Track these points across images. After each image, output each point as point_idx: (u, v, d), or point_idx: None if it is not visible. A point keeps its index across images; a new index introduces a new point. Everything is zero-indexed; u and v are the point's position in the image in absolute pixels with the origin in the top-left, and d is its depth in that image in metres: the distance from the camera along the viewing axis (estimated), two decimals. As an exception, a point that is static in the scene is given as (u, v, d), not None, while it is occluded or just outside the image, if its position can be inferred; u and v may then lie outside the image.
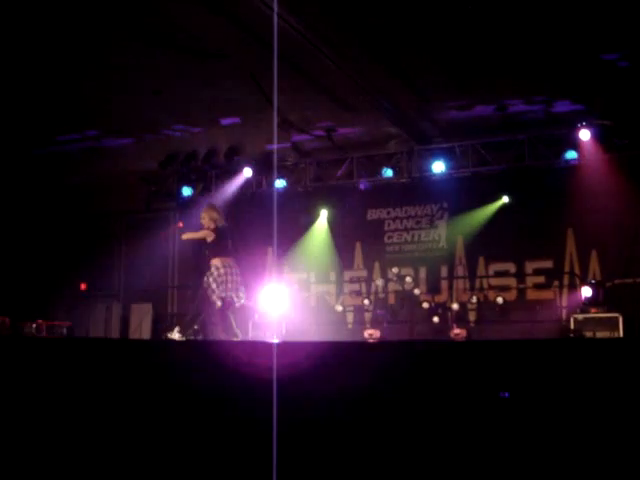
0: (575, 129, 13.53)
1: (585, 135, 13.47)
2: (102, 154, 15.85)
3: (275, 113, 10.81)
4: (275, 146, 15.57)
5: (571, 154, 13.83)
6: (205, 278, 9.91)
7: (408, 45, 11.07)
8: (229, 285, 9.84)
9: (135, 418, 4.61)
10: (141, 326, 16.48)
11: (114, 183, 17.16)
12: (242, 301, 10.06)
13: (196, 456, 4.34)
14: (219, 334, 9.63)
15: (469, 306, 14.72)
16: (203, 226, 10.21)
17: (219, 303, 9.79)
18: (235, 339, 9.66)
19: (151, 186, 17.31)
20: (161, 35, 10.65)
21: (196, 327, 15.40)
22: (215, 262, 9.90)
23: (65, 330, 15.44)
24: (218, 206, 11.13)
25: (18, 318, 14.62)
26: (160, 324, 16.27)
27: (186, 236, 10.80)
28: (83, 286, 18.14)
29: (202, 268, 16.53)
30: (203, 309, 10.06)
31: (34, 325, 14.67)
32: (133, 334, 16.31)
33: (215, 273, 9.83)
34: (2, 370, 5.38)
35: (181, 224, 17.45)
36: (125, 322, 16.89)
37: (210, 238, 10.07)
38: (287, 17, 9.63)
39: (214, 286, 9.78)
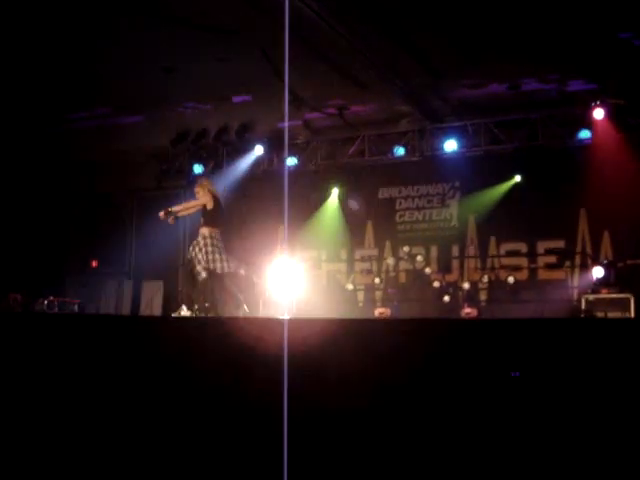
0: (589, 108, 13.45)
1: (599, 114, 13.39)
2: (113, 132, 15.82)
3: (286, 90, 10.74)
4: (286, 124, 15.52)
5: (584, 133, 13.76)
6: (191, 248, 9.83)
7: (421, 22, 11.00)
8: (216, 256, 9.79)
9: (145, 395, 4.62)
10: (152, 303, 16.53)
11: (125, 161, 17.17)
12: (226, 270, 9.97)
13: (207, 433, 4.35)
14: (224, 307, 9.63)
15: (480, 285, 14.69)
16: (199, 198, 10.13)
17: (204, 274, 9.77)
18: (239, 309, 9.65)
19: (162, 164, 17.31)
20: (172, 11, 10.60)
21: (207, 304, 15.45)
22: (203, 231, 9.84)
23: (76, 307, 15.50)
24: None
25: (30, 295, 14.68)
26: (171, 301, 16.31)
27: (179, 207, 10.36)
28: (94, 263, 18.19)
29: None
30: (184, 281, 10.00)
31: (45, 302, 14.74)
32: (144, 311, 16.35)
33: (202, 242, 9.77)
34: (14, 347, 5.40)
35: (192, 202, 17.44)
36: (136, 299, 16.93)
37: (210, 205, 9.97)
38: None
39: (200, 256, 9.75)
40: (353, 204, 16.15)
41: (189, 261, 9.85)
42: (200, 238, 9.82)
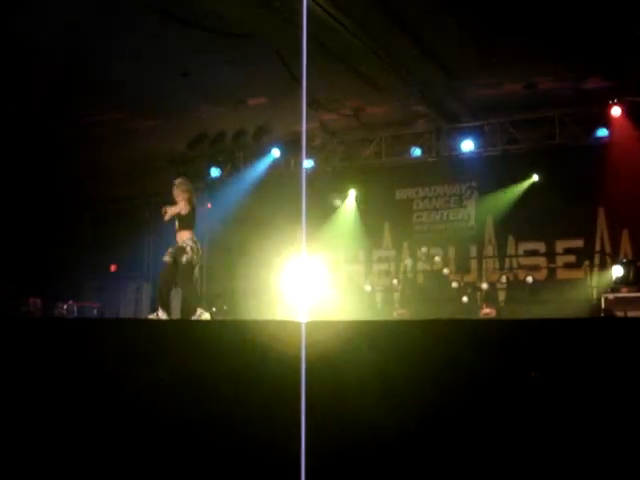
0: (606, 106, 13.39)
1: (616, 112, 13.33)
2: (130, 136, 15.89)
3: (304, 93, 10.76)
4: (303, 126, 15.53)
5: (602, 131, 13.70)
6: (189, 252, 9.70)
7: (436, 23, 10.98)
8: None
9: (165, 396, 4.63)
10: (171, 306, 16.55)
11: (143, 165, 17.23)
12: None
13: (221, 440, 4.36)
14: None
15: (498, 286, 14.65)
16: (177, 202, 9.89)
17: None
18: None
19: (179, 167, 17.36)
20: (189, 16, 10.62)
21: (225, 307, 15.50)
22: (188, 235, 9.71)
23: (95, 311, 15.59)
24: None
25: (50, 299, 14.78)
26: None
27: (170, 213, 9.94)
28: (113, 267, 18.27)
29: (231, 249, 16.67)
30: (185, 285, 9.88)
31: (65, 306, 14.82)
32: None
33: (194, 246, 9.70)
34: (35, 351, 5.42)
35: (209, 205, 17.51)
36: (155, 303, 16.96)
37: (185, 210, 9.79)
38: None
39: (195, 261, 9.73)
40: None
41: (189, 263, 9.72)
42: (190, 242, 9.68)
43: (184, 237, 9.66)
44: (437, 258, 15.07)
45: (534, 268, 14.40)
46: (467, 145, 14.72)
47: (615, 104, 13.32)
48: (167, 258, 9.65)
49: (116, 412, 4.80)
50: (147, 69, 12.44)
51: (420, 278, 15.51)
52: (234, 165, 17.07)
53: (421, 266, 15.44)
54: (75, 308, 15.10)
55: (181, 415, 4.58)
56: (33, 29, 10.91)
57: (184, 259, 9.51)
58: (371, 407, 4.05)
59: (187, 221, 9.78)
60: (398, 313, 14.60)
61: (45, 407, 5.02)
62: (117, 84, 12.96)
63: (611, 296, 12.49)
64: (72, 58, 11.99)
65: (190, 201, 9.77)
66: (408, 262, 15.53)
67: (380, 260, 16.10)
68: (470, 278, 14.93)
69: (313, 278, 15.08)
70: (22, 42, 11.32)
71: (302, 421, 3.80)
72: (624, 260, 13.12)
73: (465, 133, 14.84)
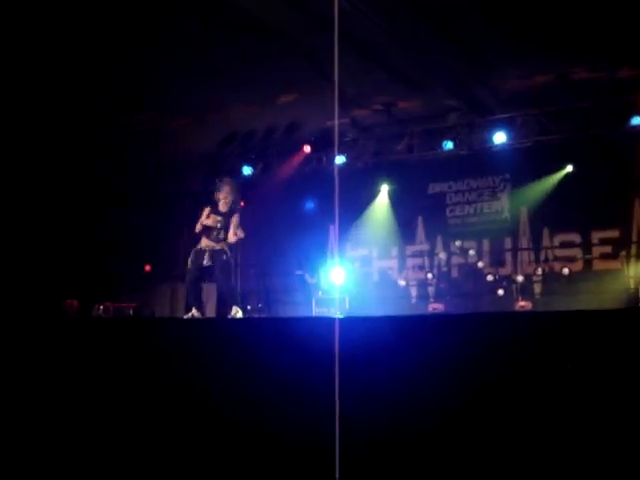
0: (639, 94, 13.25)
1: (650, 100, 13.19)
2: (163, 135, 15.97)
3: (336, 89, 10.76)
4: (335, 122, 15.52)
5: (636, 120, 13.52)
6: (228, 251, 9.80)
7: (466, 14, 10.92)
8: None
9: (203, 393, 4.66)
10: (206, 305, 16.63)
11: (175, 163, 17.32)
12: None
13: (261, 431, 4.37)
14: None
15: (534, 278, 14.55)
16: (221, 203, 9.93)
17: None
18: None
19: (211, 166, 17.43)
20: (220, 15, 10.67)
21: (260, 305, 15.55)
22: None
23: (131, 311, 15.68)
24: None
25: (86, 300, 14.89)
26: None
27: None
28: (148, 267, 18.37)
29: (264, 246, 16.71)
30: (224, 283, 9.98)
31: (101, 307, 14.93)
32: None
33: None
34: (72, 351, 5.48)
35: (242, 203, 17.54)
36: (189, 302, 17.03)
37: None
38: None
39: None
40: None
41: (228, 262, 9.83)
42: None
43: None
44: (471, 251, 15.02)
45: (570, 259, 14.30)
46: (499, 137, 14.62)
47: (649, 92, 13.18)
48: (206, 262, 9.67)
49: (167, 408, 4.84)
50: (179, 68, 12.50)
51: (454, 272, 15.46)
52: (266, 163, 17.12)
53: (455, 260, 15.40)
54: (112, 309, 15.21)
55: (220, 412, 4.60)
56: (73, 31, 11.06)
57: (224, 257, 9.60)
58: (406, 404, 4.04)
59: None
60: (433, 307, 14.57)
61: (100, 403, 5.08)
62: (150, 83, 13.04)
63: (649, 286, 12.38)
64: (109, 58, 12.11)
65: (232, 202, 9.85)
66: (442, 256, 15.48)
67: (414, 255, 16.07)
68: (505, 271, 14.85)
69: (348, 274, 15.10)
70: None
71: (336, 418, 3.80)
72: (660, 249, 12.98)
73: (497, 125, 14.74)
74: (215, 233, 9.63)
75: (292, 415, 4.26)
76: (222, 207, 9.75)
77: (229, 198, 9.79)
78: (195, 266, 9.56)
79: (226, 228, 9.65)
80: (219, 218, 9.62)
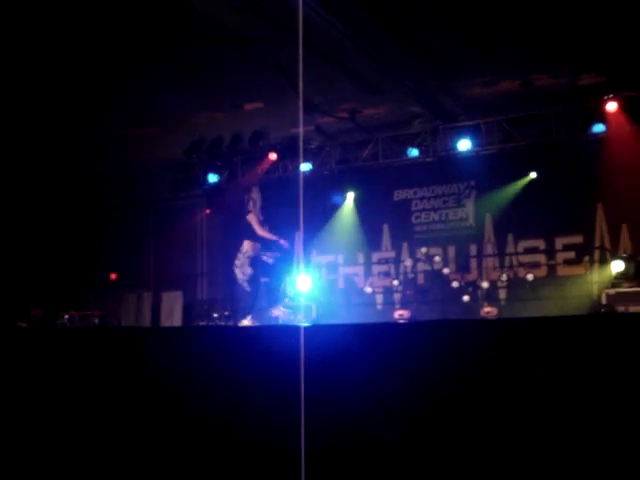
0: (602, 101, 13.40)
1: (612, 107, 13.33)
2: (127, 144, 15.88)
3: (301, 97, 10.77)
4: (300, 129, 15.53)
5: (598, 127, 13.69)
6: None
7: (429, 22, 10.97)
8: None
9: (164, 403, 4.63)
10: (172, 314, 16.57)
11: (140, 172, 17.24)
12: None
13: (219, 442, 4.35)
14: None
15: (499, 284, 14.64)
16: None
17: None
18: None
19: (177, 174, 17.37)
20: (183, 23, 10.63)
21: (227, 313, 15.47)
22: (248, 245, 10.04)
23: (97, 320, 15.54)
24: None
25: (51, 310, 14.74)
26: (191, 312, 16.37)
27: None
28: (113, 276, 18.26)
29: (231, 254, 16.68)
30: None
31: (67, 316, 14.78)
32: (164, 322, 16.41)
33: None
34: (37, 361, 5.42)
35: (208, 211, 17.53)
36: (156, 310, 16.99)
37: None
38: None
39: None
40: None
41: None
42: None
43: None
44: (437, 258, 15.07)
45: (534, 265, 14.40)
46: (464, 144, 14.73)
47: (610, 99, 13.33)
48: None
49: (130, 418, 4.80)
50: (144, 76, 12.42)
51: (420, 278, 15.49)
52: (232, 171, 17.09)
53: (421, 266, 15.44)
54: (77, 318, 15.07)
55: (180, 419, 4.58)
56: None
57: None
58: (370, 410, 4.04)
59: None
60: (399, 314, 14.60)
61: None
62: (116, 92, 12.95)
63: (612, 291, 12.47)
64: (70, 69, 12.01)
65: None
66: (408, 263, 15.52)
67: (380, 261, 16.10)
68: (470, 277, 14.92)
69: (314, 281, 15.09)
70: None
71: (301, 424, 3.79)
72: (624, 255, 13.10)
73: (462, 132, 14.85)
74: None
75: (257, 423, 4.25)
76: None
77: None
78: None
79: None
80: None
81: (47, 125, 14.50)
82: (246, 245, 10.24)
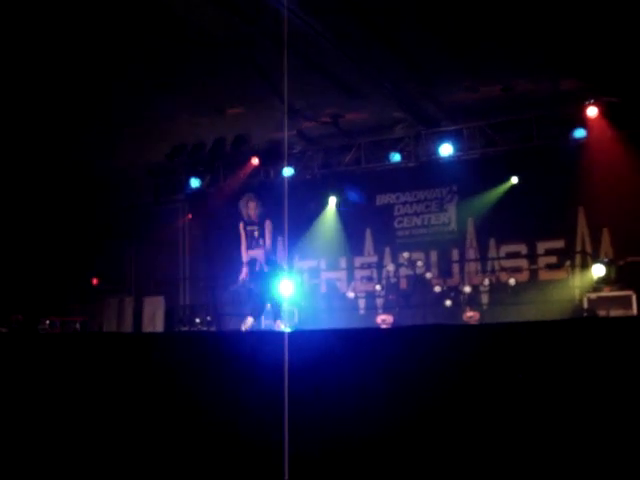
0: (583, 107, 13.48)
1: (593, 112, 13.42)
2: (109, 148, 15.80)
3: (285, 101, 10.79)
4: (283, 134, 15.53)
5: (579, 132, 13.77)
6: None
7: (411, 27, 11.00)
8: None
9: (147, 412, 4.61)
10: (154, 319, 16.51)
11: (122, 177, 17.16)
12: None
13: (202, 449, 4.34)
14: None
15: (481, 289, 14.68)
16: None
17: None
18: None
19: (159, 179, 17.33)
20: (165, 27, 10.60)
21: (209, 318, 15.44)
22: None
23: (78, 325, 15.49)
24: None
25: (32, 315, 14.66)
26: (173, 317, 16.32)
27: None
28: (95, 281, 18.17)
29: (213, 259, 16.65)
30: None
31: (48, 321, 14.72)
32: (146, 327, 16.33)
33: None
34: (18, 367, 5.39)
35: (190, 216, 17.49)
36: (138, 316, 16.91)
37: None
38: (288, 4, 9.58)
39: None
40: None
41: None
42: None
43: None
44: (419, 263, 15.09)
45: (516, 270, 14.45)
46: (446, 149, 14.78)
47: (591, 104, 13.42)
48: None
49: (116, 425, 4.78)
50: (125, 80, 12.38)
51: (403, 283, 15.50)
52: (214, 175, 17.06)
53: (403, 271, 15.45)
54: (58, 323, 15.00)
55: (169, 426, 4.56)
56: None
57: None
58: (352, 414, 4.04)
59: None
60: (381, 319, 14.61)
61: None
62: (94, 96, 12.89)
63: (593, 296, 12.53)
64: (50, 73, 11.95)
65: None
66: (390, 267, 15.53)
67: (362, 266, 16.11)
68: (453, 282, 14.95)
69: (296, 286, 15.08)
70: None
71: (285, 430, 3.79)
72: (605, 259, 13.17)
73: (444, 137, 14.90)
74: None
75: (241, 428, 4.24)
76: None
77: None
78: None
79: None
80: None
81: (25, 131, 14.41)
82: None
